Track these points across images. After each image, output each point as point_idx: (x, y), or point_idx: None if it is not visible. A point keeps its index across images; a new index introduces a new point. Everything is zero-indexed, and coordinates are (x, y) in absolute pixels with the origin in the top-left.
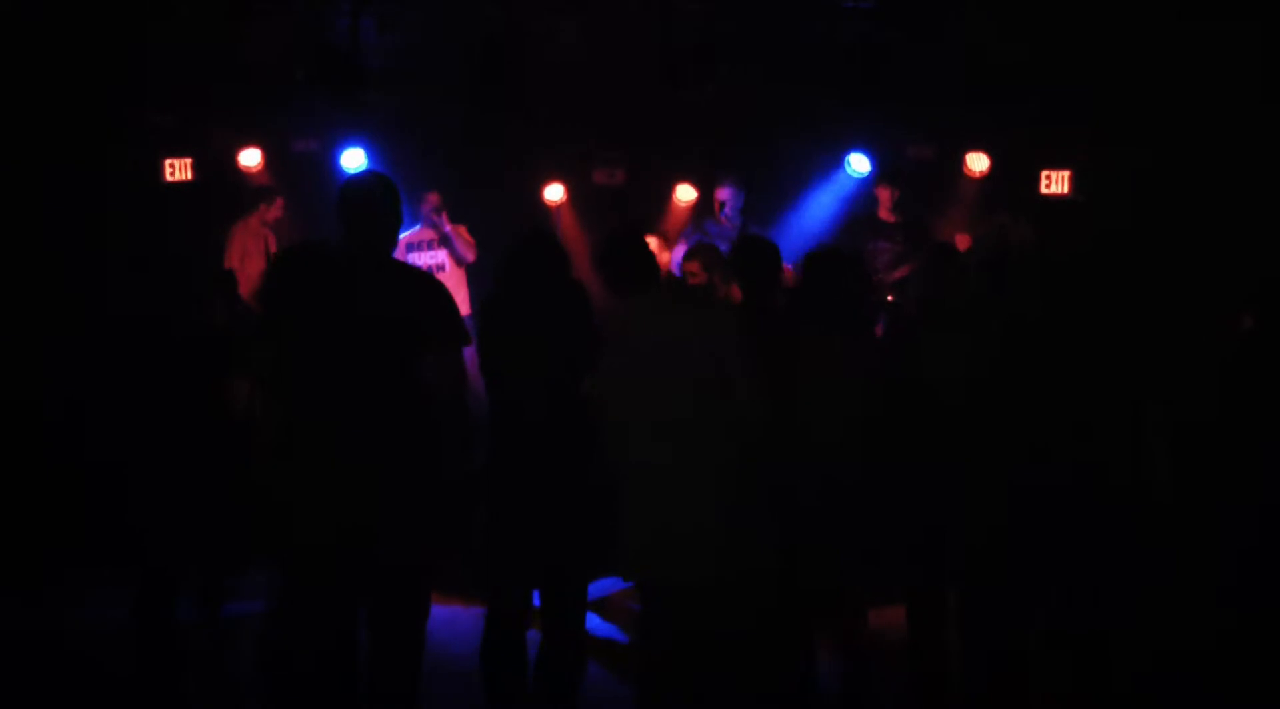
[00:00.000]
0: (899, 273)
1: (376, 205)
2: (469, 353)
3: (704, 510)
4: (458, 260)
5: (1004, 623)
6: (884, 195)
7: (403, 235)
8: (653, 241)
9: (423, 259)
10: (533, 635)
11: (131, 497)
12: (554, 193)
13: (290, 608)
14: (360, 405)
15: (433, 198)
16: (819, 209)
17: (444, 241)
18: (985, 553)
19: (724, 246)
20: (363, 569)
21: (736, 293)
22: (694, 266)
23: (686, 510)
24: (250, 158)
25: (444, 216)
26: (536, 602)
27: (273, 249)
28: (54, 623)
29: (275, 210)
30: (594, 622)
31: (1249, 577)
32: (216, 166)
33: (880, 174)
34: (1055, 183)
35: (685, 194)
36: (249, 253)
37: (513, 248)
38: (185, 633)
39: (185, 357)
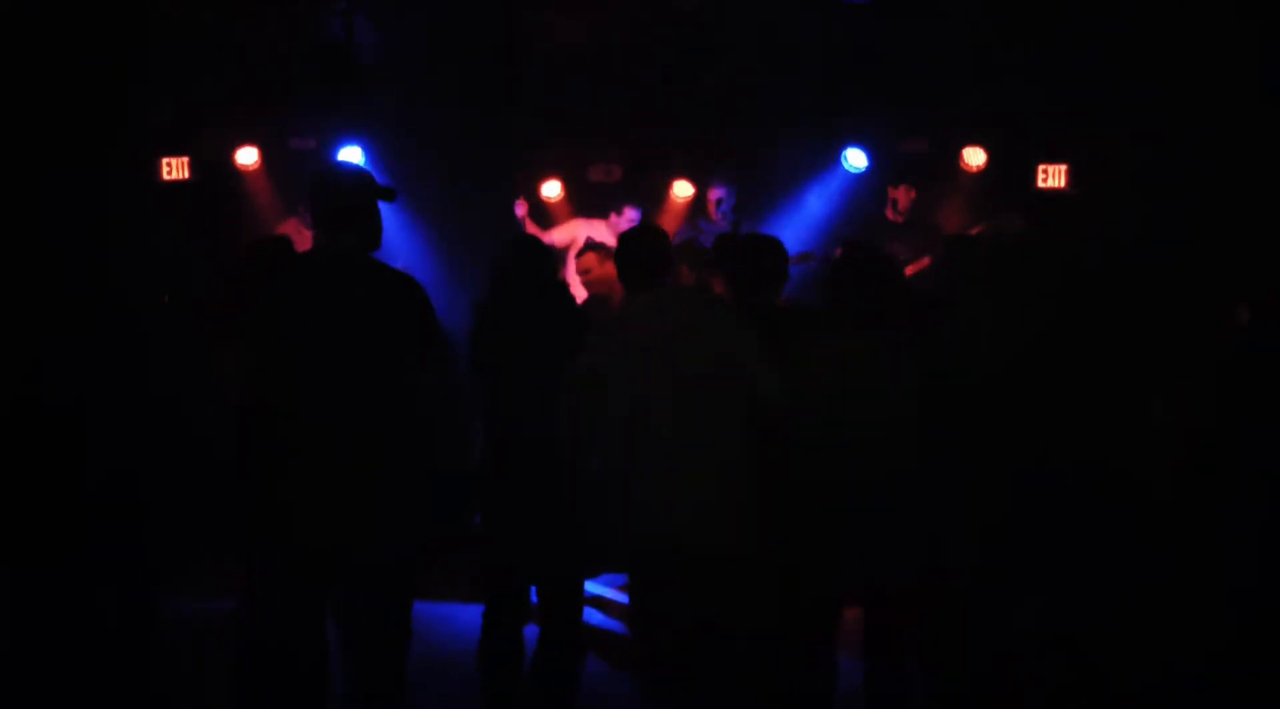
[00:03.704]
0: (909, 270)
1: (359, 207)
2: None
3: (712, 484)
4: None
5: (1002, 623)
6: (900, 196)
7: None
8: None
9: None
10: (532, 632)
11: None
12: (551, 190)
13: (271, 609)
14: (346, 412)
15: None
16: (815, 204)
17: None
18: (985, 552)
19: None
20: (343, 570)
21: (719, 287)
22: (682, 269)
23: (696, 483)
24: (247, 156)
25: None
26: (534, 599)
27: None
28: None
29: None
30: (595, 617)
31: (1250, 577)
32: (213, 165)
33: (896, 174)
34: (1052, 177)
35: (682, 190)
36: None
37: (502, 251)
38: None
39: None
